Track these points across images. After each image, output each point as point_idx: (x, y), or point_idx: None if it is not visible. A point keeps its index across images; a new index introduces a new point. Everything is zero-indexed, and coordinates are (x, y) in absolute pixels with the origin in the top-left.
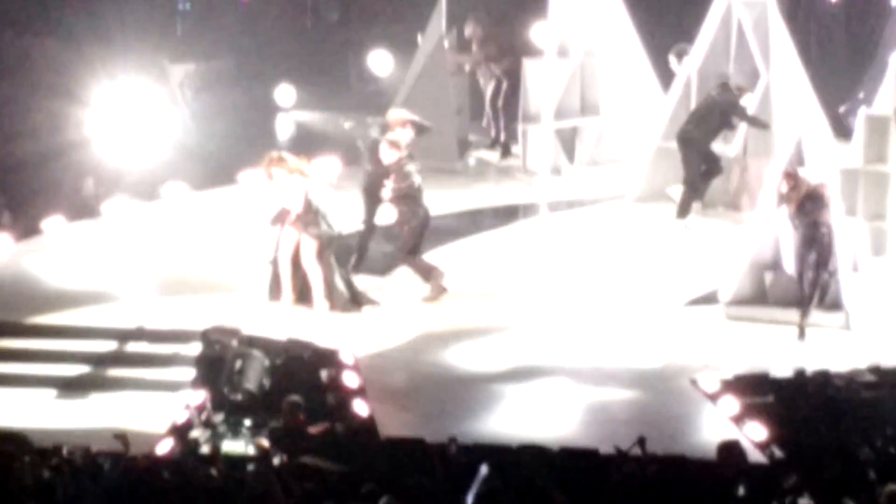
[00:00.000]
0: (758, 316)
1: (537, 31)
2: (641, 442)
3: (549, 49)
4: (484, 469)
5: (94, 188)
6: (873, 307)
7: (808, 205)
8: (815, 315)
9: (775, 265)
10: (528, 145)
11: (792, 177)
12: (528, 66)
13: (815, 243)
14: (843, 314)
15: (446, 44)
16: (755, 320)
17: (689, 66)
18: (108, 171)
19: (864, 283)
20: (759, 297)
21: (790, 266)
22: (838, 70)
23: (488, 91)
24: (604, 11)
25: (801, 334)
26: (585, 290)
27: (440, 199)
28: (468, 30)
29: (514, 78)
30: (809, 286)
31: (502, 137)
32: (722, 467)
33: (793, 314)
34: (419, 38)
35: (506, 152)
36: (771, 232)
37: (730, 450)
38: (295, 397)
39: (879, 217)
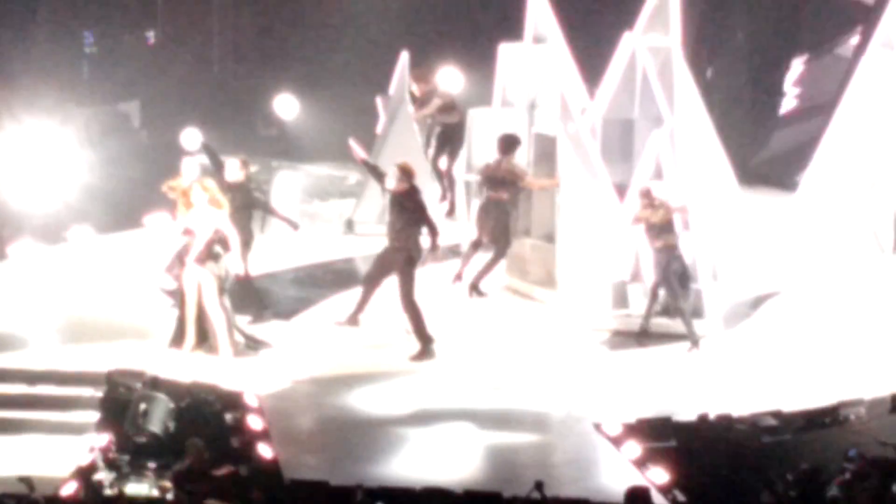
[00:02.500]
0: (622, 327)
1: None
2: (539, 486)
3: (495, 100)
4: None
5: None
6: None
7: (662, 226)
8: (673, 324)
9: (635, 279)
10: (471, 196)
11: (647, 196)
12: (474, 115)
13: (675, 261)
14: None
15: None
16: (620, 332)
17: (594, 112)
18: (13, 214)
19: (722, 293)
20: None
21: (650, 280)
22: (742, 116)
23: (430, 149)
24: (549, 63)
25: (694, 345)
26: (489, 334)
27: (360, 245)
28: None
29: (457, 134)
30: (674, 299)
31: (448, 195)
32: None
33: (657, 324)
34: (378, 100)
35: (451, 211)
36: (630, 247)
37: (637, 494)
38: (199, 440)
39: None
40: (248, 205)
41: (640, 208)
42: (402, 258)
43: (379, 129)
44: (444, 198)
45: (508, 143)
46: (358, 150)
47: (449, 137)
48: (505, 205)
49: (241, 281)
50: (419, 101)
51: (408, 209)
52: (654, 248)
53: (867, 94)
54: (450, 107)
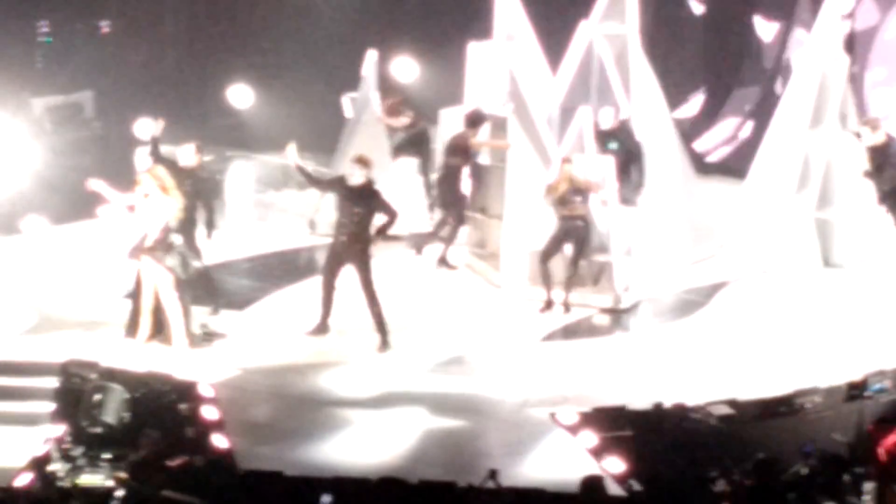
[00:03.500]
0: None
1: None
2: (493, 474)
3: (465, 99)
4: (325, 500)
5: None
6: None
7: (571, 197)
8: (588, 296)
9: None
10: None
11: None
12: (444, 115)
13: (572, 233)
14: (612, 296)
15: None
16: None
17: (550, 102)
18: None
19: (635, 267)
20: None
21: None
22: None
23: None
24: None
25: (566, 310)
26: (444, 322)
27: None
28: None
29: (424, 146)
30: (570, 268)
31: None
32: (582, 500)
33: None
34: (344, 100)
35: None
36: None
37: (592, 484)
38: (153, 430)
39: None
40: (196, 192)
41: (554, 180)
42: (359, 249)
43: (346, 129)
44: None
45: (474, 118)
46: (293, 156)
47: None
48: (456, 170)
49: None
50: (386, 113)
51: (367, 200)
52: (557, 216)
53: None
54: (415, 120)
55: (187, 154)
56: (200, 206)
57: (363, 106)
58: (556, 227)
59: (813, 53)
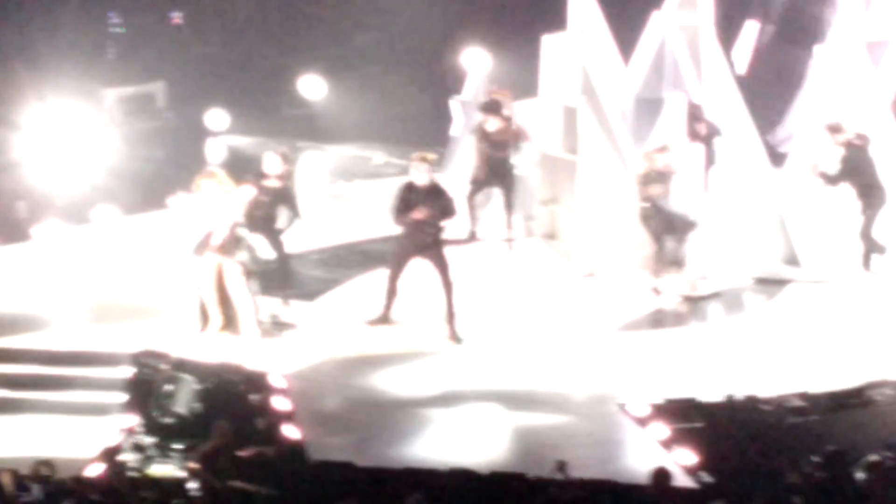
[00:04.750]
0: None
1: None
2: (561, 466)
3: (540, 91)
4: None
5: (25, 211)
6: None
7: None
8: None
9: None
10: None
11: (649, 157)
12: (518, 108)
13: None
14: (689, 284)
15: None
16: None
17: (624, 93)
18: (38, 195)
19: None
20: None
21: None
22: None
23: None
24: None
25: (657, 294)
26: (515, 315)
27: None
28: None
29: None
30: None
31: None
32: (652, 492)
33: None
34: (452, 104)
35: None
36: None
37: (661, 475)
38: (225, 421)
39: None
40: (279, 199)
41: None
42: (434, 245)
43: (453, 131)
44: (471, 237)
45: (489, 107)
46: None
47: (498, 173)
48: (507, 161)
49: (278, 261)
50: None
51: (435, 198)
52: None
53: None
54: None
55: (272, 161)
56: (285, 209)
57: (472, 111)
58: (658, 214)
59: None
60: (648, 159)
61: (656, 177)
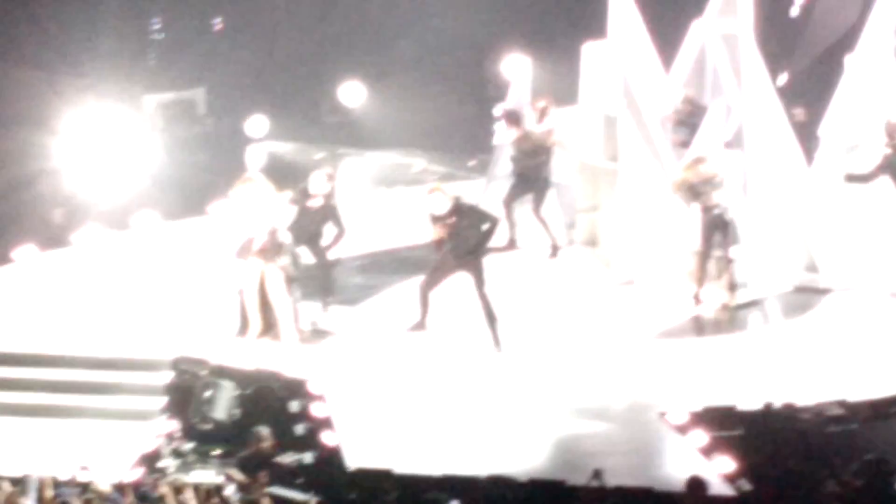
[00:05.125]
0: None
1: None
2: (598, 474)
3: (580, 99)
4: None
5: (64, 218)
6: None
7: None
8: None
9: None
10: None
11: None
12: (559, 115)
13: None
14: (728, 292)
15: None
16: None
17: (664, 101)
18: (79, 201)
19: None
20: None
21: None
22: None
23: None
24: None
25: (698, 303)
26: (554, 323)
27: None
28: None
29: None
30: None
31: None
32: (689, 500)
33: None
34: (497, 110)
35: (554, 253)
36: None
37: (698, 483)
38: (264, 427)
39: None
40: (325, 217)
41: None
42: (472, 260)
43: (496, 139)
44: (510, 243)
45: (512, 118)
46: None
47: (529, 179)
48: (541, 169)
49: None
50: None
51: (463, 219)
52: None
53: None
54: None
55: (319, 181)
56: (331, 226)
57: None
58: (702, 222)
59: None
60: (693, 170)
61: (704, 186)
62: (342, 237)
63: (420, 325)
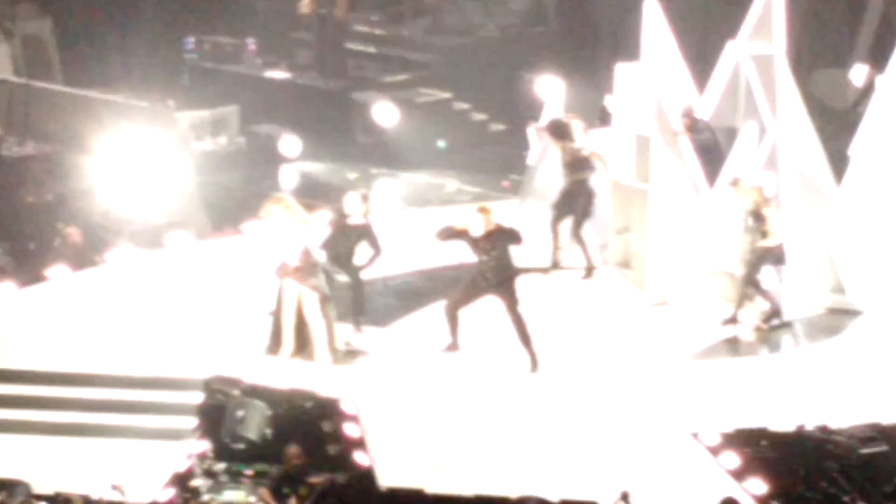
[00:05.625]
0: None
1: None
2: (625, 497)
3: (614, 120)
4: None
5: (79, 237)
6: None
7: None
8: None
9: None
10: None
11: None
12: (594, 135)
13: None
14: (760, 314)
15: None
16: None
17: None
18: (113, 220)
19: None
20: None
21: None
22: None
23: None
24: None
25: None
26: (587, 344)
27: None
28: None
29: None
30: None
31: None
32: None
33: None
34: (529, 131)
35: (589, 273)
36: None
37: None
38: (296, 447)
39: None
40: (364, 237)
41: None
42: (504, 284)
43: (530, 159)
44: (554, 264)
45: (558, 130)
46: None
47: (574, 196)
48: (587, 184)
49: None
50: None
51: (497, 242)
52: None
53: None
54: (580, 162)
55: (354, 202)
56: (367, 247)
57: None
58: (759, 250)
59: None
60: (759, 194)
61: (767, 211)
62: (378, 257)
63: (453, 346)
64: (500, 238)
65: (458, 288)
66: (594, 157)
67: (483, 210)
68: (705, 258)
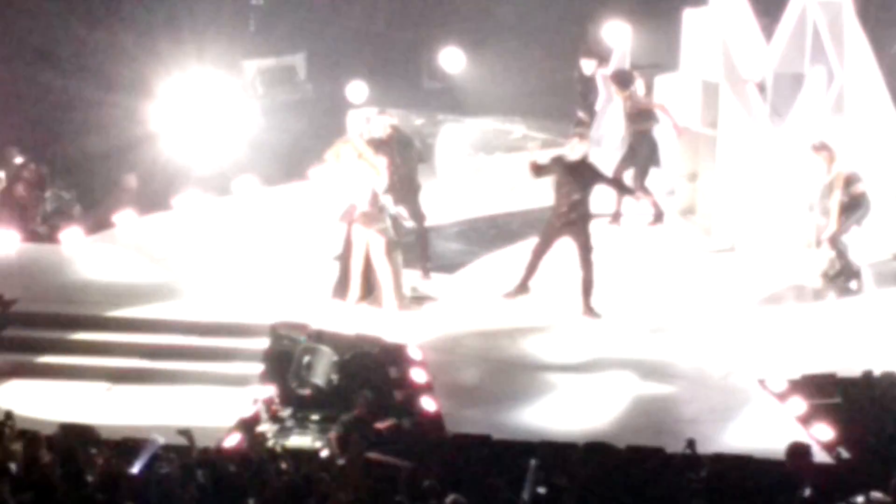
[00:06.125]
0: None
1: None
2: (691, 444)
3: (681, 66)
4: (532, 463)
5: (135, 184)
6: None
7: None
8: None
9: None
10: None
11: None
12: (660, 82)
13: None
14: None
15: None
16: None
17: (764, 68)
18: (179, 166)
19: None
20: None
21: None
22: None
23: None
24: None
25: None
26: (653, 290)
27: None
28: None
29: (647, 144)
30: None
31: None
32: (788, 468)
33: None
34: (598, 75)
35: (658, 219)
36: None
37: (798, 451)
38: (368, 391)
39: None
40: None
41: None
42: (580, 221)
43: (598, 105)
44: (614, 217)
45: (623, 80)
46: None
47: (635, 147)
48: (649, 135)
49: (418, 233)
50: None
51: (586, 174)
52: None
53: None
54: (642, 113)
55: (380, 126)
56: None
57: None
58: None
59: None
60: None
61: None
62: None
63: (521, 290)
64: (590, 170)
65: (541, 234)
66: (657, 108)
67: (582, 136)
68: (771, 204)
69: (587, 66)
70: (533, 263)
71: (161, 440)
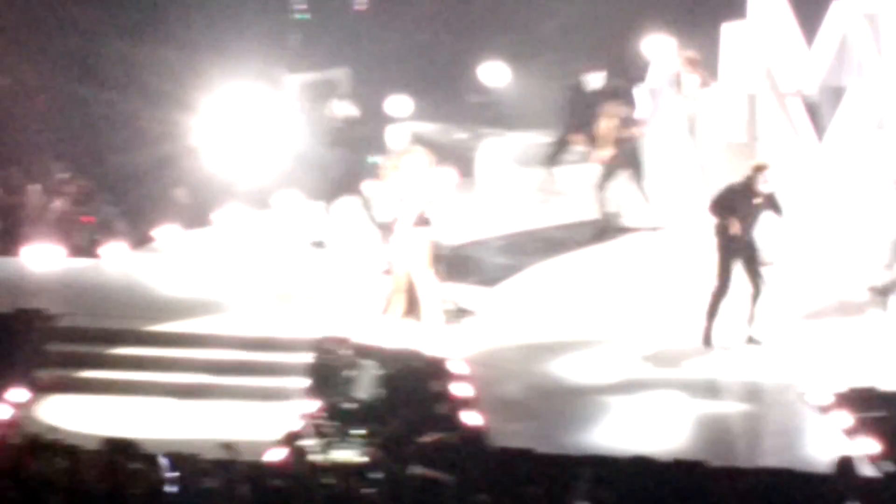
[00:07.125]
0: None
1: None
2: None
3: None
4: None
5: (187, 198)
6: None
7: None
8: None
9: None
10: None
11: None
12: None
13: None
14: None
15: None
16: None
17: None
18: (220, 180)
19: None
20: None
21: None
22: None
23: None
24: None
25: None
26: (698, 304)
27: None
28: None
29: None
30: None
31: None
32: (834, 481)
33: None
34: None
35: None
36: None
37: (847, 464)
38: (407, 406)
39: None
40: None
41: None
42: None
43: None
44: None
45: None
46: None
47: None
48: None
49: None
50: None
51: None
52: None
53: None
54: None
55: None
56: None
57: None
58: None
59: None
60: None
61: None
62: None
63: (706, 339)
64: (772, 199)
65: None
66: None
67: (762, 167)
68: (814, 217)
69: (594, 79)
70: (713, 309)
71: (166, 462)
